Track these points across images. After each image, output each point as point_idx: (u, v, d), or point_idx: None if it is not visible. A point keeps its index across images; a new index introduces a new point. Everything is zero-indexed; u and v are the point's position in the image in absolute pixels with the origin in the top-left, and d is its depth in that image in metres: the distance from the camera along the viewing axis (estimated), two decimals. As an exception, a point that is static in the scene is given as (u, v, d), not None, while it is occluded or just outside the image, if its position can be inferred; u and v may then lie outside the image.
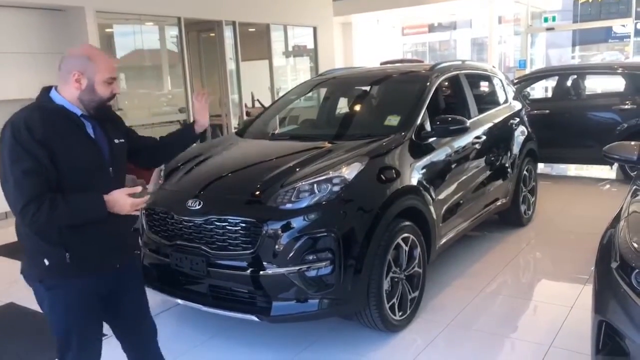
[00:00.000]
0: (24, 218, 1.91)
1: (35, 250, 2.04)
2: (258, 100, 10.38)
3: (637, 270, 1.96)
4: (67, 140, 1.99)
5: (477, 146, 4.37)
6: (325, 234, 2.92)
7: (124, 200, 2.02)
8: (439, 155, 3.85)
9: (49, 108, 2.03)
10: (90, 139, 2.08)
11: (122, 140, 2.24)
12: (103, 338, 2.23)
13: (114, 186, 2.06)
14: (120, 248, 2.20)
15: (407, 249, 3.32)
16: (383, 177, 3.31)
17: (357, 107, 4.91)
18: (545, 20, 16.47)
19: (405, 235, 3.30)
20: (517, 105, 5.47)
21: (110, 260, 2.16)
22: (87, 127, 2.09)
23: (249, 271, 2.94)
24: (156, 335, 2.43)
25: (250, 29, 10.55)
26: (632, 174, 6.36)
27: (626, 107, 6.73)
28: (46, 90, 2.10)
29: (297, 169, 3.25)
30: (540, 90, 11.86)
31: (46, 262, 2.02)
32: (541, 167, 7.77)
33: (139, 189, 2.06)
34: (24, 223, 1.95)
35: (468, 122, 3.92)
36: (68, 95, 2.05)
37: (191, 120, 2.64)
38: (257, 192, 3.11)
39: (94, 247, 2.07)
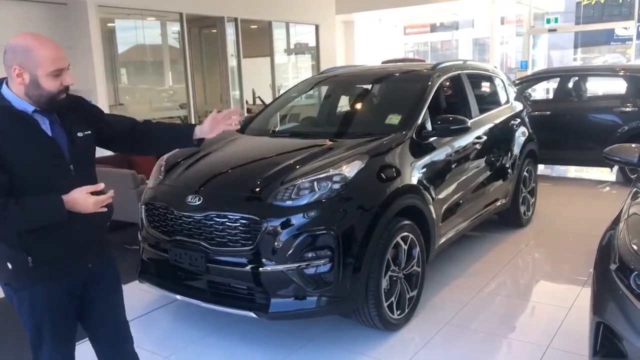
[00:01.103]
0: None
1: (1, 254, 1.94)
2: (259, 97, 10.37)
3: (635, 272, 1.96)
4: (16, 140, 1.84)
5: (477, 146, 4.37)
6: (325, 231, 2.92)
7: (84, 199, 1.87)
8: (439, 155, 3.85)
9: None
10: (45, 136, 1.92)
11: (88, 132, 2.06)
12: (81, 342, 2.16)
13: (78, 184, 1.91)
14: (91, 248, 2.08)
15: (406, 247, 3.32)
16: (383, 176, 3.31)
17: (358, 106, 4.91)
18: (548, 21, 16.45)
19: (405, 234, 3.30)
20: (518, 106, 5.46)
21: (79, 262, 2.04)
22: (42, 123, 1.93)
23: (247, 268, 2.94)
24: (131, 341, 2.30)
25: (252, 26, 10.54)
26: (632, 176, 6.37)
27: (627, 109, 6.73)
28: None
29: (298, 167, 3.25)
30: (542, 91, 11.85)
31: (9, 265, 1.94)
32: (541, 168, 7.77)
33: (101, 185, 1.92)
34: None
35: (469, 122, 3.92)
36: (16, 91, 1.88)
37: (192, 117, 2.51)
38: (257, 189, 3.11)
39: (58, 250, 1.96)
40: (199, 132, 2.32)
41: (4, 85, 1.92)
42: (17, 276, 1.96)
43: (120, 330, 2.26)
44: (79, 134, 2.02)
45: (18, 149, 1.84)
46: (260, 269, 2.91)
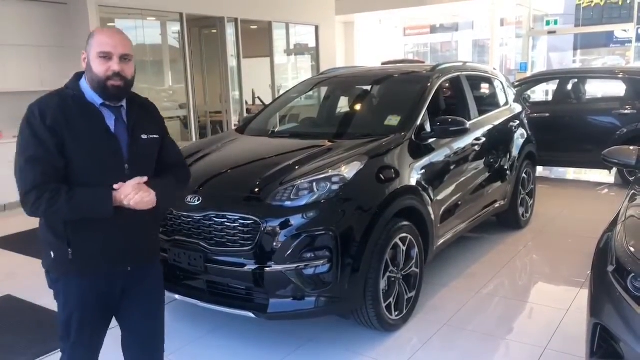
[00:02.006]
0: (24, 206, 1.85)
1: (45, 240, 2.00)
2: (259, 97, 10.37)
3: (633, 274, 1.97)
4: (79, 130, 1.89)
5: (476, 148, 4.38)
6: (324, 232, 2.93)
7: (131, 191, 1.88)
8: (438, 156, 3.86)
9: (68, 94, 1.95)
10: (107, 130, 1.95)
11: (154, 137, 2.09)
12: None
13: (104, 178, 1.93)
14: (132, 251, 2.05)
15: (404, 248, 3.33)
16: (382, 177, 3.32)
17: (358, 107, 4.91)
18: (547, 23, 16.50)
19: (403, 235, 3.31)
20: (517, 108, 5.48)
21: (118, 264, 2.02)
22: (108, 118, 1.97)
23: (246, 268, 2.94)
24: (162, 352, 2.29)
25: (252, 27, 10.55)
26: (630, 178, 6.39)
27: (626, 111, 6.75)
28: (77, 77, 2.01)
29: (297, 167, 3.25)
30: (541, 93, 11.87)
31: (52, 254, 1.98)
32: (540, 170, 7.79)
33: (144, 178, 1.94)
34: (25, 211, 1.87)
35: (468, 124, 3.93)
36: (88, 81, 1.96)
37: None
38: (257, 189, 3.12)
39: (97, 247, 1.96)
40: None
41: (83, 78, 2.00)
42: (57, 266, 1.99)
43: (154, 341, 2.24)
44: (143, 136, 2.04)
45: (79, 139, 1.89)
46: (259, 269, 2.91)
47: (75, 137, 1.88)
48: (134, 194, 1.89)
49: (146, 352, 2.23)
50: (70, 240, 1.93)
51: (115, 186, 1.91)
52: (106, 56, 1.91)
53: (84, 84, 1.97)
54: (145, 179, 1.95)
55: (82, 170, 1.90)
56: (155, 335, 2.25)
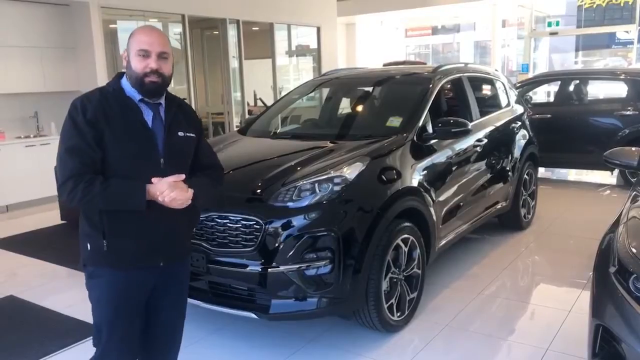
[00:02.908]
0: (61, 194, 1.92)
1: (82, 232, 2.04)
2: (260, 99, 10.39)
3: (634, 275, 1.97)
4: (117, 123, 1.95)
5: (478, 149, 4.39)
6: (325, 233, 2.93)
7: (166, 188, 1.92)
8: (440, 157, 3.86)
9: (108, 90, 2.03)
10: (144, 125, 2.02)
11: (190, 135, 2.14)
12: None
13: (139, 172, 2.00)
14: (165, 246, 2.08)
15: (406, 249, 3.33)
16: (384, 178, 3.33)
17: (360, 108, 4.92)
18: (549, 24, 16.50)
19: (405, 236, 3.31)
20: (519, 109, 5.48)
21: (151, 258, 2.05)
22: (146, 114, 2.03)
23: (248, 268, 2.95)
24: (177, 352, 2.32)
25: (253, 28, 10.56)
26: (632, 179, 6.39)
27: (628, 112, 6.75)
28: (119, 75, 2.10)
29: (299, 168, 3.26)
30: (543, 94, 11.87)
31: (88, 246, 2.01)
32: (542, 171, 7.78)
33: (182, 176, 1.98)
34: (61, 200, 1.96)
35: (470, 125, 3.93)
36: (128, 78, 2.04)
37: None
38: (259, 190, 3.12)
39: (132, 240, 2.00)
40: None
41: (124, 77, 2.08)
42: (92, 258, 2.02)
43: (173, 340, 2.29)
44: (180, 133, 2.10)
45: (117, 132, 1.95)
46: (261, 269, 2.92)
47: (113, 130, 1.94)
48: (169, 191, 1.93)
49: (164, 351, 2.27)
50: (105, 232, 1.97)
51: (153, 180, 1.95)
52: (145, 54, 1.99)
53: (125, 82, 2.05)
54: (183, 176, 1.99)
55: (119, 162, 1.96)
56: (176, 332, 2.30)
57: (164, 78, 2.03)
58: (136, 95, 2.03)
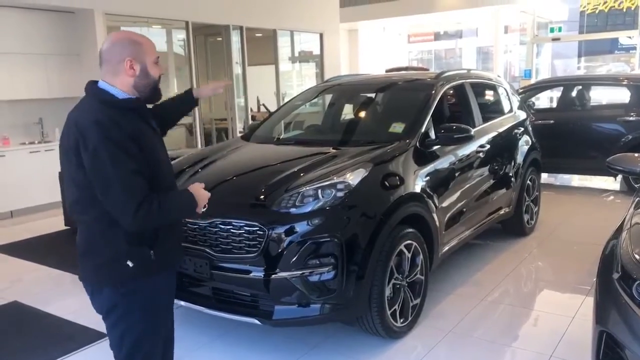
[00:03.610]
0: (136, 220, 1.82)
1: (115, 256, 1.92)
2: (264, 104, 10.42)
3: (638, 282, 1.96)
4: (146, 135, 1.93)
5: (481, 155, 4.39)
6: (329, 239, 2.94)
7: (204, 192, 2.03)
8: (443, 163, 3.87)
9: (117, 102, 1.92)
10: (156, 131, 2.04)
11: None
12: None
13: (174, 181, 2.09)
14: (181, 244, 2.23)
15: (409, 255, 3.33)
16: (387, 184, 3.33)
17: (362, 114, 4.93)
18: (552, 30, 16.51)
19: (408, 242, 3.31)
20: (522, 115, 5.48)
21: (180, 255, 2.19)
22: (150, 119, 2.04)
23: (252, 274, 2.95)
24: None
25: (257, 34, 10.61)
26: (635, 185, 6.38)
27: (631, 118, 6.74)
28: (95, 85, 1.97)
29: (302, 174, 3.27)
30: (545, 100, 11.87)
31: (130, 264, 1.92)
32: (545, 177, 7.78)
33: (203, 184, 2.09)
34: (136, 225, 1.84)
35: (472, 131, 3.94)
36: (124, 87, 1.95)
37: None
38: (262, 196, 3.13)
39: (173, 240, 2.08)
40: (196, 93, 2.62)
41: (105, 84, 1.95)
42: (137, 272, 1.94)
43: (172, 335, 2.33)
44: (158, 130, 2.13)
45: (149, 143, 1.93)
46: (265, 275, 2.92)
47: (145, 143, 1.90)
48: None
49: (168, 345, 2.29)
50: (153, 242, 1.96)
51: (192, 187, 2.03)
52: (158, 60, 2.03)
53: (118, 91, 1.94)
54: (203, 184, 2.09)
55: (157, 173, 1.94)
56: (173, 329, 2.33)
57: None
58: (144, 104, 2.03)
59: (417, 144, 3.69)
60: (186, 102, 2.59)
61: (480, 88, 5.28)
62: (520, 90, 7.78)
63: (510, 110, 5.33)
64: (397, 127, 3.91)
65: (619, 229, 2.38)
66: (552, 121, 7.17)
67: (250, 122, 9.90)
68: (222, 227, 3.05)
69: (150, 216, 1.83)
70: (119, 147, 1.80)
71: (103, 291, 1.96)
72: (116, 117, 1.85)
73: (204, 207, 2.06)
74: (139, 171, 1.83)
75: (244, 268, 2.98)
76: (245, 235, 2.99)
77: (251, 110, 10.42)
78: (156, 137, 2.03)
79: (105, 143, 1.79)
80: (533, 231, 5.41)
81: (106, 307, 1.98)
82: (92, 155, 1.80)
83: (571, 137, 7.07)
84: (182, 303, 3.25)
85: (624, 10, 20.57)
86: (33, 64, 7.14)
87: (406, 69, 8.99)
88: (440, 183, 3.79)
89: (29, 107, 7.25)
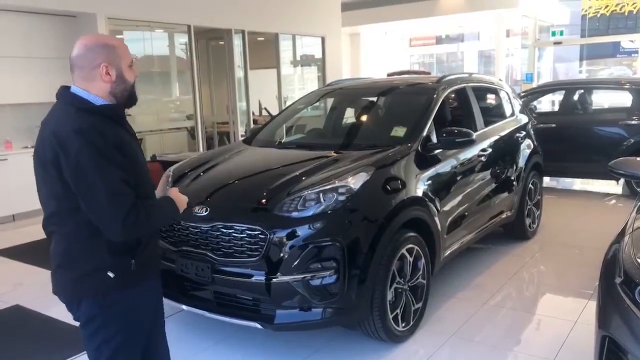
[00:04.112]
0: (125, 229, 1.77)
1: (96, 267, 1.87)
2: (265, 108, 10.44)
3: (641, 286, 1.96)
4: (127, 141, 1.88)
5: (482, 159, 4.39)
6: (330, 243, 2.93)
7: (182, 198, 2.05)
8: (444, 167, 3.86)
9: (95, 109, 1.85)
10: (134, 136, 1.98)
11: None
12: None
13: (153, 186, 2.04)
14: (159, 250, 2.20)
15: (411, 259, 3.33)
16: (389, 188, 3.33)
17: (364, 118, 4.94)
18: (553, 34, 16.51)
19: (410, 246, 3.31)
20: (524, 119, 5.48)
21: (158, 262, 2.16)
22: (128, 125, 1.99)
23: (253, 278, 2.95)
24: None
25: (259, 38, 10.63)
26: (638, 189, 6.36)
27: (633, 122, 6.73)
28: (68, 91, 1.89)
29: (304, 178, 3.27)
30: (547, 104, 11.87)
31: (111, 275, 1.87)
32: (547, 180, 7.77)
33: (176, 189, 2.11)
34: (124, 234, 1.79)
35: (474, 135, 3.94)
36: (101, 93, 1.87)
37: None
38: (264, 200, 3.13)
39: (152, 248, 2.03)
40: None
41: (79, 90, 1.88)
42: (118, 283, 1.89)
43: (165, 342, 2.29)
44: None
45: (130, 150, 1.87)
46: (266, 279, 2.92)
47: (127, 149, 1.85)
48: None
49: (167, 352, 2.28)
50: (135, 251, 1.91)
51: (175, 193, 2.04)
52: (132, 64, 1.96)
53: (95, 98, 1.87)
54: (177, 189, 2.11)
55: (140, 179, 1.90)
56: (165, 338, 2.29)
57: None
58: (120, 109, 1.95)
59: (419, 148, 3.69)
60: None
61: (481, 92, 5.29)
62: (522, 94, 7.78)
63: (512, 114, 5.33)
64: (399, 131, 3.91)
65: (621, 233, 2.38)
66: (553, 125, 7.17)
67: (252, 125, 9.92)
68: (224, 230, 3.05)
69: (138, 225, 1.80)
70: (104, 155, 1.75)
71: (81, 303, 1.92)
72: (97, 125, 1.79)
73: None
74: (125, 179, 1.78)
75: (246, 272, 2.97)
76: (247, 239, 2.99)
77: (253, 113, 10.44)
78: (135, 143, 1.96)
79: (89, 152, 1.74)
80: (535, 235, 5.40)
81: (84, 319, 1.93)
82: (74, 166, 1.75)
83: (573, 140, 7.06)
84: (184, 307, 3.25)
85: (626, 14, 20.56)
86: (35, 68, 7.17)
87: (408, 72, 9.00)
88: (442, 187, 3.79)
89: (32, 111, 7.26)
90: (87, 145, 1.74)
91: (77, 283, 1.90)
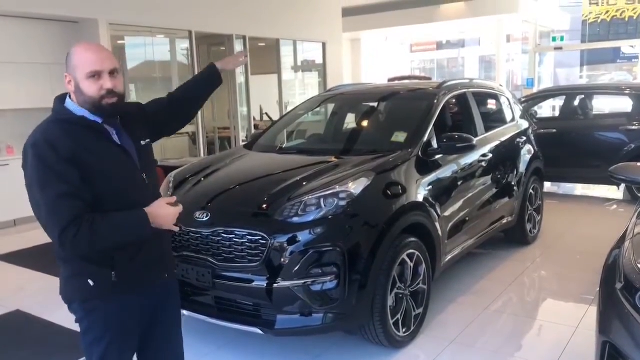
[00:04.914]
0: (63, 245, 1.75)
1: (78, 273, 1.89)
2: (266, 113, 10.45)
3: (641, 292, 1.96)
4: (94, 153, 1.82)
5: (483, 164, 4.39)
6: (331, 248, 2.94)
7: (165, 211, 1.88)
8: (445, 172, 3.87)
9: (68, 120, 1.85)
10: (116, 145, 1.90)
11: (148, 141, 2.06)
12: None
13: (151, 195, 1.93)
14: (165, 258, 2.08)
15: (412, 265, 3.33)
16: (389, 193, 3.34)
17: (365, 123, 4.94)
18: (554, 39, 16.55)
19: (411, 251, 3.31)
20: (524, 124, 5.49)
21: (155, 274, 2.03)
22: (112, 133, 1.91)
23: (254, 284, 2.95)
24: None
25: (260, 44, 10.67)
26: (639, 194, 6.36)
27: (633, 127, 6.74)
28: (60, 100, 1.92)
29: (304, 183, 3.27)
30: (548, 109, 11.88)
31: (91, 283, 1.87)
32: (548, 186, 7.76)
33: (174, 198, 1.95)
34: (64, 250, 1.78)
35: (475, 140, 3.95)
36: (80, 104, 1.87)
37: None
38: (265, 205, 3.14)
39: (139, 263, 1.93)
40: (220, 66, 2.43)
41: (68, 100, 1.91)
42: (98, 292, 1.89)
43: (177, 350, 2.23)
44: (142, 142, 2.03)
45: (98, 162, 1.82)
46: (267, 285, 2.92)
47: (94, 162, 1.81)
48: (172, 211, 1.89)
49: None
50: (115, 263, 1.87)
51: (158, 205, 1.90)
52: (95, 75, 1.83)
53: (75, 107, 1.88)
54: (175, 198, 1.95)
55: (110, 193, 1.84)
56: (178, 345, 2.25)
57: (120, 96, 1.89)
58: (98, 118, 1.88)
59: (420, 153, 3.70)
60: (210, 78, 2.41)
61: (482, 97, 5.29)
62: (523, 100, 7.79)
63: (513, 120, 5.34)
64: (400, 137, 3.92)
65: (622, 239, 2.38)
66: (554, 130, 7.18)
67: (253, 131, 9.94)
68: (225, 236, 3.05)
69: (78, 240, 1.73)
70: (50, 170, 1.74)
71: (71, 305, 1.96)
72: (53, 137, 1.77)
73: (179, 226, 1.95)
74: (69, 194, 1.73)
75: (247, 277, 2.98)
76: (247, 244, 2.99)
77: (254, 119, 10.46)
78: (117, 154, 1.90)
79: (37, 166, 1.75)
80: (536, 240, 5.40)
81: (76, 319, 1.98)
82: (27, 179, 1.80)
83: (574, 146, 7.07)
84: (185, 312, 3.24)
85: (626, 19, 20.60)
86: (37, 74, 7.19)
87: (409, 78, 9.03)
88: (443, 192, 3.79)
89: (33, 117, 7.20)
90: (35, 158, 1.76)
91: (66, 285, 1.95)
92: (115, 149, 1.91)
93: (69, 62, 1.86)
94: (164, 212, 1.88)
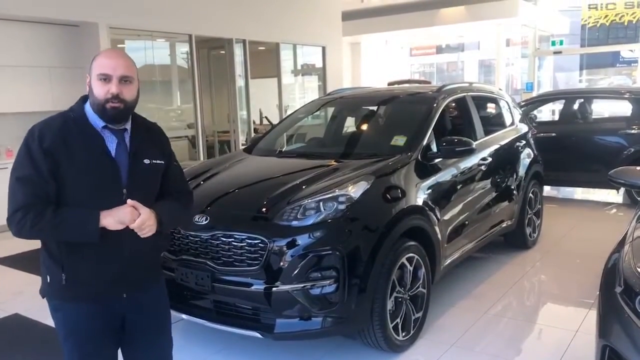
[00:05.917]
0: (10, 225, 1.82)
1: (43, 264, 1.95)
2: (266, 117, 10.47)
3: (641, 295, 1.96)
4: (76, 152, 1.85)
5: (483, 168, 4.39)
6: (330, 252, 2.93)
7: (124, 208, 1.84)
8: (444, 176, 3.87)
9: (70, 117, 1.93)
10: (106, 154, 1.91)
11: (158, 162, 2.03)
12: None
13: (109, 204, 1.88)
14: (128, 277, 1.96)
15: (411, 269, 3.33)
16: (389, 197, 3.33)
17: (364, 127, 4.95)
18: (553, 43, 16.59)
19: (410, 255, 3.30)
20: (524, 128, 5.49)
21: (112, 289, 1.95)
22: (109, 141, 1.93)
23: (253, 287, 2.95)
24: None
25: (260, 47, 10.68)
26: (638, 198, 6.35)
27: (633, 131, 6.74)
28: (83, 99, 1.99)
29: (304, 187, 3.27)
30: (547, 113, 11.89)
31: (48, 278, 1.92)
32: (547, 189, 7.76)
33: (139, 205, 1.88)
34: (10, 230, 1.83)
35: (474, 144, 3.95)
36: (90, 104, 1.95)
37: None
38: (264, 209, 3.13)
39: (90, 271, 1.90)
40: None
41: (88, 101, 1.98)
42: (52, 291, 1.94)
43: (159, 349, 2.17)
44: (146, 161, 1.99)
45: (76, 161, 1.85)
46: (266, 288, 2.92)
47: (72, 160, 1.84)
48: (133, 216, 1.84)
49: None
50: (64, 264, 1.89)
51: (117, 210, 1.86)
52: (105, 78, 1.88)
53: (88, 107, 1.95)
54: (136, 202, 1.89)
55: (76, 194, 1.86)
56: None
57: (126, 103, 1.91)
58: (99, 122, 1.92)
59: (419, 157, 3.70)
60: None
61: (482, 101, 5.30)
62: (522, 103, 7.80)
63: (512, 123, 5.35)
64: (399, 140, 3.92)
65: (621, 242, 2.38)
66: (554, 134, 7.18)
67: (253, 134, 9.95)
68: (224, 239, 3.05)
69: (23, 223, 1.79)
70: (27, 155, 1.84)
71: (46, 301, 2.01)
72: (46, 128, 1.87)
73: (147, 228, 1.88)
74: (30, 181, 1.81)
75: (246, 281, 2.97)
76: (247, 247, 2.99)
77: (254, 122, 10.47)
78: (102, 165, 1.89)
79: (21, 149, 1.87)
80: (535, 244, 5.40)
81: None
82: None
83: (573, 150, 7.07)
84: (184, 316, 3.24)
85: (625, 23, 20.65)
86: (38, 77, 7.20)
87: (408, 82, 9.05)
88: (442, 196, 3.79)
89: (34, 120, 7.13)
90: (23, 142, 1.88)
91: (40, 273, 2.00)
92: (104, 156, 1.91)
93: (90, 64, 1.96)
94: (121, 210, 1.85)
